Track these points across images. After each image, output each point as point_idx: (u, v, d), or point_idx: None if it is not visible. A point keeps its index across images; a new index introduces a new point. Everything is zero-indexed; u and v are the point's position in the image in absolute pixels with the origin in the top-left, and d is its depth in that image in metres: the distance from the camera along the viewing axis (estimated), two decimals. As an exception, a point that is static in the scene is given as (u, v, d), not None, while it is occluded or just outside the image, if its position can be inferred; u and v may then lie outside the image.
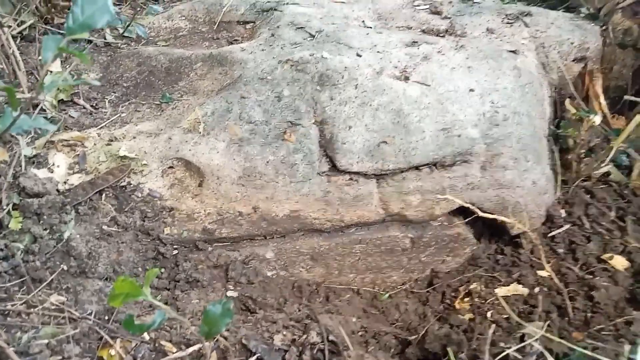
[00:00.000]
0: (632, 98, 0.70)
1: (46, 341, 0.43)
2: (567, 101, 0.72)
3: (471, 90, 0.64)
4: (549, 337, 0.48)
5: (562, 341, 0.48)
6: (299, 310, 0.54)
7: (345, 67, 0.66)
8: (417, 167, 0.62)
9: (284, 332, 0.51)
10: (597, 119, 0.67)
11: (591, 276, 0.62)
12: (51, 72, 0.75)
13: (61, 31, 0.83)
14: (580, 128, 0.69)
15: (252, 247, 0.61)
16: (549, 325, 0.56)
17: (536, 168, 0.63)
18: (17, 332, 0.44)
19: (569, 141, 0.70)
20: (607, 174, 0.71)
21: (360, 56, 0.68)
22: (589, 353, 0.45)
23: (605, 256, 0.63)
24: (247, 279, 0.59)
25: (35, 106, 0.69)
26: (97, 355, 0.45)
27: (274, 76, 0.67)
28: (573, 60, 0.77)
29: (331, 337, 0.50)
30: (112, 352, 0.45)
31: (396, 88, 0.64)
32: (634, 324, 0.55)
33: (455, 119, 0.62)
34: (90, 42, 0.82)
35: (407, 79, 0.65)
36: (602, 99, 0.74)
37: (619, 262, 0.63)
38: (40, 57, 0.76)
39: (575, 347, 0.46)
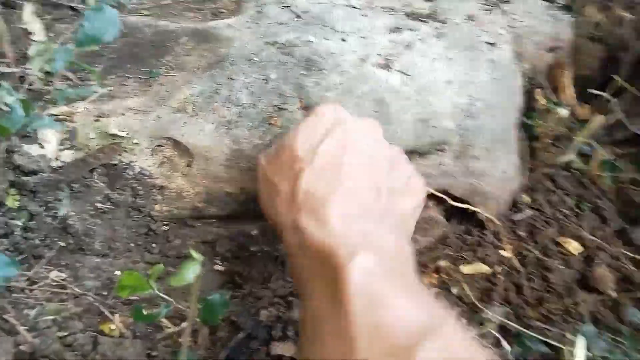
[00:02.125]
0: (597, 92, 0.75)
1: (52, 317, 0.47)
2: (538, 91, 0.76)
3: (449, 82, 0.67)
4: (505, 321, 0.55)
5: (516, 324, 0.54)
6: (283, 287, 0.59)
7: (331, 53, 0.68)
8: (395, 155, 0.65)
9: (270, 309, 0.55)
10: (563, 112, 0.72)
11: (548, 258, 0.68)
12: (35, 42, 0.74)
13: (44, -2, 0.82)
14: (548, 119, 0.74)
15: (239, 225, 0.65)
16: (508, 302, 0.62)
17: (505, 158, 0.68)
18: (24, 308, 0.47)
19: (537, 131, 0.74)
20: (570, 162, 0.76)
21: (345, 41, 0.70)
22: (538, 336, 0.51)
23: (561, 240, 0.69)
24: (233, 253, 0.63)
25: (21, 78, 0.69)
26: (99, 329, 0.49)
27: (261, 58, 0.69)
28: (546, 51, 0.81)
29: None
30: (112, 326, 0.49)
31: (379, 77, 0.67)
32: (581, 305, 0.62)
33: (433, 110, 0.66)
34: (73, 9, 0.81)
35: (389, 67, 0.68)
36: (570, 90, 0.79)
37: (574, 247, 0.69)
38: (24, 25, 0.76)
39: (526, 329, 0.53)
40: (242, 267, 0.63)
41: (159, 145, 0.66)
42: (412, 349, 0.31)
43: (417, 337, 0.31)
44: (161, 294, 0.36)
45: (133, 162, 0.64)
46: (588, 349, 0.46)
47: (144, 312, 0.38)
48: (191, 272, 0.28)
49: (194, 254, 0.29)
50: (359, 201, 0.43)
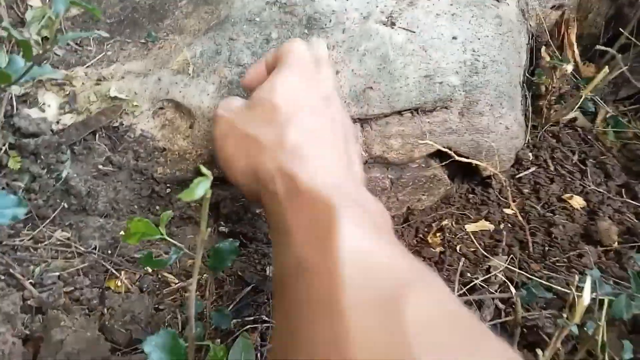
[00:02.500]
0: (603, 48, 0.74)
1: (57, 274, 0.47)
2: (543, 49, 0.75)
3: (454, 38, 0.66)
4: (510, 268, 0.55)
5: (521, 272, 0.54)
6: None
7: (333, 11, 0.67)
8: (399, 112, 0.65)
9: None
10: (569, 68, 0.71)
11: (551, 214, 0.68)
12: (31, 6, 0.73)
13: (38, -39, 0.80)
14: (553, 76, 0.73)
15: (242, 186, 0.64)
16: (512, 258, 0.63)
17: (510, 114, 0.67)
18: (28, 265, 0.47)
19: (541, 88, 0.74)
20: (574, 119, 0.76)
21: (347, -1, 0.69)
22: (544, 282, 0.51)
23: (565, 196, 0.69)
24: (237, 215, 0.63)
25: (19, 43, 0.68)
26: (105, 286, 0.49)
27: (262, 18, 0.68)
28: (551, 8, 0.79)
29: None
30: (119, 283, 0.49)
31: (382, 33, 0.66)
32: (585, 256, 0.62)
33: (437, 66, 0.65)
34: (68, -27, 0.79)
35: (393, 24, 0.67)
36: (575, 48, 0.77)
37: (577, 202, 0.69)
38: (19, -10, 0.74)
39: (532, 277, 0.53)
40: (246, 228, 0.63)
41: (160, 108, 0.65)
42: (399, 297, 0.30)
43: (404, 288, 0.31)
44: (171, 240, 0.35)
45: (134, 124, 0.64)
46: (594, 291, 0.46)
47: (154, 258, 0.38)
48: (201, 187, 0.28)
49: (203, 169, 0.28)
50: (339, 158, 0.45)
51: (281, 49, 0.51)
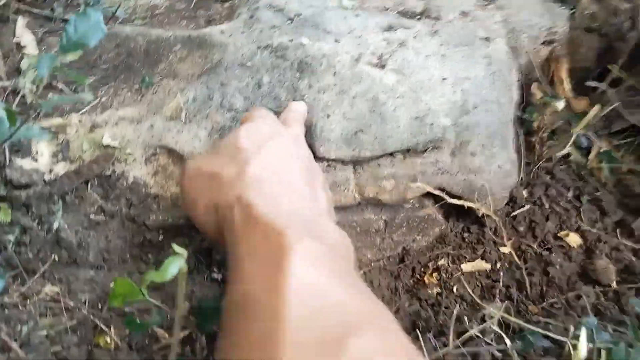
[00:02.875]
0: (594, 84, 0.74)
1: (45, 332, 0.46)
2: (534, 85, 0.76)
3: (444, 79, 0.67)
4: (506, 316, 0.54)
5: (517, 320, 0.53)
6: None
7: (324, 54, 0.68)
8: (391, 154, 0.65)
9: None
10: (560, 105, 0.71)
11: (548, 252, 0.67)
12: (27, 55, 0.74)
13: (34, 10, 0.82)
14: (545, 112, 0.73)
15: (235, 231, 0.64)
16: (509, 301, 0.62)
17: (502, 153, 0.67)
18: (16, 324, 0.47)
19: (533, 125, 0.74)
20: (568, 155, 0.75)
21: (338, 42, 0.70)
22: (540, 331, 0.50)
23: (561, 234, 0.69)
24: (231, 260, 0.63)
25: (13, 92, 0.69)
26: (94, 343, 0.48)
27: (254, 62, 0.69)
28: (542, 44, 0.80)
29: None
30: (108, 339, 0.48)
31: (373, 76, 0.66)
32: (583, 297, 0.61)
33: (428, 108, 0.65)
34: (65, 21, 0.81)
35: (383, 66, 0.67)
36: (566, 83, 0.78)
37: (573, 240, 0.68)
38: (16, 39, 0.75)
39: (528, 324, 0.52)
40: (240, 273, 0.63)
41: (153, 154, 0.65)
42: (343, 340, 0.29)
43: (350, 329, 0.30)
44: (154, 301, 0.35)
45: (127, 172, 0.64)
46: (591, 340, 0.45)
47: (137, 320, 0.38)
48: (175, 266, 0.27)
49: (177, 248, 0.28)
50: (300, 194, 0.46)
51: (245, 115, 0.59)
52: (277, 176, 0.46)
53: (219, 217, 0.45)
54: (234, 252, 0.40)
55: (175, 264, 0.27)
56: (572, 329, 0.45)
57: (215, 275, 0.62)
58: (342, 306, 0.32)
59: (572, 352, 0.42)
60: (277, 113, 0.62)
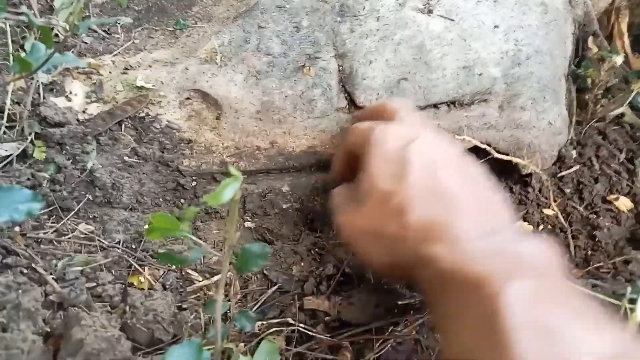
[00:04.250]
0: (657, 38, 0.69)
1: (80, 268, 0.46)
2: (590, 39, 0.71)
3: (496, 26, 0.62)
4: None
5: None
6: (314, 244, 0.57)
7: (367, -3, 0.64)
8: (435, 105, 0.62)
9: (302, 264, 0.53)
10: (618, 60, 0.66)
11: (595, 216, 0.64)
12: (60, -8, 0.72)
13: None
14: (601, 68, 0.68)
15: (269, 181, 0.63)
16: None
17: (553, 109, 0.63)
18: (51, 259, 0.46)
19: (587, 81, 0.69)
20: (622, 115, 0.71)
21: (382, -15, 0.66)
22: (588, 291, 0.48)
23: (610, 197, 0.65)
24: (264, 210, 0.61)
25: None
26: (128, 282, 0.48)
27: (292, 5, 0.65)
28: (601, -5, 0.74)
29: (346, 270, 0.53)
30: (142, 279, 0.48)
31: (419, 21, 0.62)
32: (632, 262, 0.58)
33: (477, 57, 0.61)
34: (97, -41, 0.78)
35: (430, 12, 0.63)
36: (625, 38, 0.72)
37: (624, 203, 0.65)
38: (47, -24, 0.73)
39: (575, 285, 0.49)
40: (273, 224, 0.61)
41: (187, 98, 0.63)
42: None
43: None
44: (194, 237, 0.33)
45: (160, 115, 0.62)
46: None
47: (175, 256, 0.36)
48: (229, 189, 0.25)
49: (233, 170, 0.26)
50: (479, 212, 0.38)
51: (357, 135, 0.47)
52: (437, 205, 0.38)
53: (405, 274, 0.40)
54: (435, 308, 0.37)
55: (232, 187, 0.25)
56: (627, 291, 0.42)
57: (248, 224, 0.60)
58: (584, 346, 0.28)
59: (629, 314, 0.39)
60: (316, 58, 0.59)
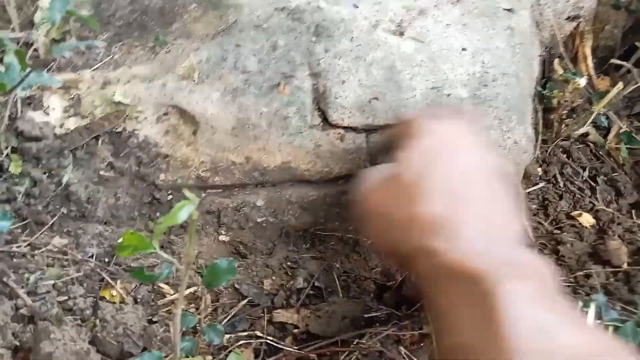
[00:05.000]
0: (618, 62, 0.72)
1: (52, 282, 0.47)
2: (556, 61, 0.74)
3: (464, 49, 0.65)
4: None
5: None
6: (287, 257, 0.58)
7: (342, 19, 0.66)
8: (405, 124, 0.64)
9: (273, 277, 0.55)
10: (582, 82, 0.69)
11: (559, 231, 0.66)
12: (41, 7, 0.73)
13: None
14: (565, 89, 0.71)
15: (244, 195, 0.64)
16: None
17: (519, 128, 0.66)
18: (24, 272, 0.47)
19: (553, 101, 0.72)
20: (586, 134, 0.74)
21: (357, 7, 0.68)
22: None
23: (574, 213, 0.68)
24: (239, 224, 0.63)
25: (26, 44, 0.68)
26: (100, 295, 0.48)
27: (270, 24, 0.67)
28: (567, 19, 0.77)
29: (316, 284, 0.55)
30: (114, 292, 0.49)
31: (391, 43, 0.64)
32: (592, 277, 0.60)
33: (446, 78, 0.63)
34: (78, -25, 0.79)
35: (402, 34, 0.66)
36: (589, 61, 0.75)
37: (586, 220, 0.67)
38: (28, -9, 0.74)
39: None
40: (246, 237, 0.63)
41: (164, 114, 0.65)
42: None
43: None
44: (163, 254, 0.35)
45: (137, 130, 0.63)
46: (599, 317, 0.45)
47: (145, 272, 0.38)
48: (186, 210, 0.27)
49: (188, 193, 0.27)
50: (488, 220, 0.40)
51: (409, 125, 0.51)
52: (454, 208, 0.40)
53: (405, 263, 0.42)
54: (432, 299, 0.38)
55: (186, 209, 0.27)
56: (579, 305, 0.44)
57: (222, 238, 0.62)
58: (576, 344, 0.30)
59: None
60: (291, 77, 0.61)
